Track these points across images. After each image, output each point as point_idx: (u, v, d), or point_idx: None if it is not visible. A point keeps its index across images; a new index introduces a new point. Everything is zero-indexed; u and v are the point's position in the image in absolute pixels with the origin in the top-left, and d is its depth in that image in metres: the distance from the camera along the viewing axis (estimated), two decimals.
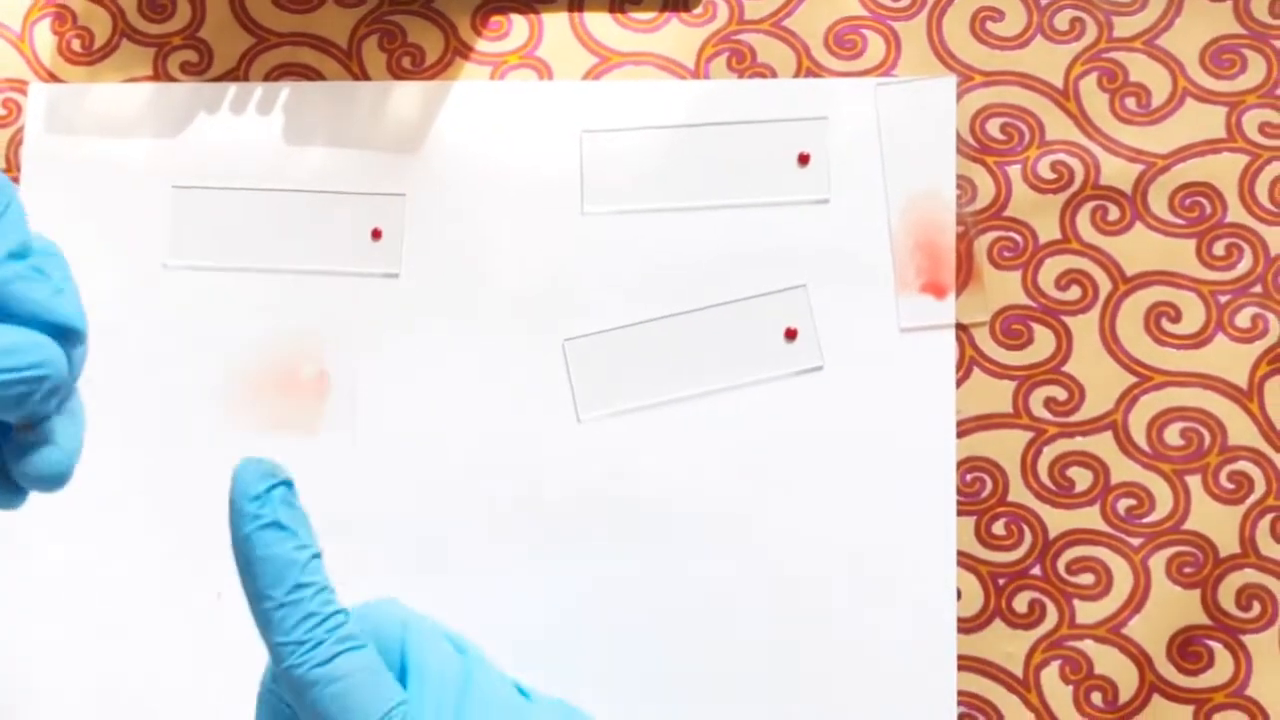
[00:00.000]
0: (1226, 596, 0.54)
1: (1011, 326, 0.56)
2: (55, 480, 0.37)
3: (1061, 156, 0.57)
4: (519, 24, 0.59)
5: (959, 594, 0.54)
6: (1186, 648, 0.54)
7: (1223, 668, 0.53)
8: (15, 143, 0.60)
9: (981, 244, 0.56)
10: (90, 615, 0.57)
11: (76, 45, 0.61)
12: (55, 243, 0.39)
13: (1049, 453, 0.55)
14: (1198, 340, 0.55)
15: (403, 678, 0.40)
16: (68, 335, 0.36)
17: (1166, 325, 0.55)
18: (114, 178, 0.59)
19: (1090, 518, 0.55)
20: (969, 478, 0.55)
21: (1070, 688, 0.54)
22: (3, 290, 0.35)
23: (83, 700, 0.56)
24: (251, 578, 0.39)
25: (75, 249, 0.58)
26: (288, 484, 0.40)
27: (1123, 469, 0.55)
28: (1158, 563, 0.54)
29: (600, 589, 0.55)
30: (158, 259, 0.59)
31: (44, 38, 0.61)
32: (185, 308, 0.58)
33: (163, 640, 0.56)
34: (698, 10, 0.59)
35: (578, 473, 0.56)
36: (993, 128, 0.57)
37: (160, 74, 0.60)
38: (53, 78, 0.60)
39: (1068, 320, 0.56)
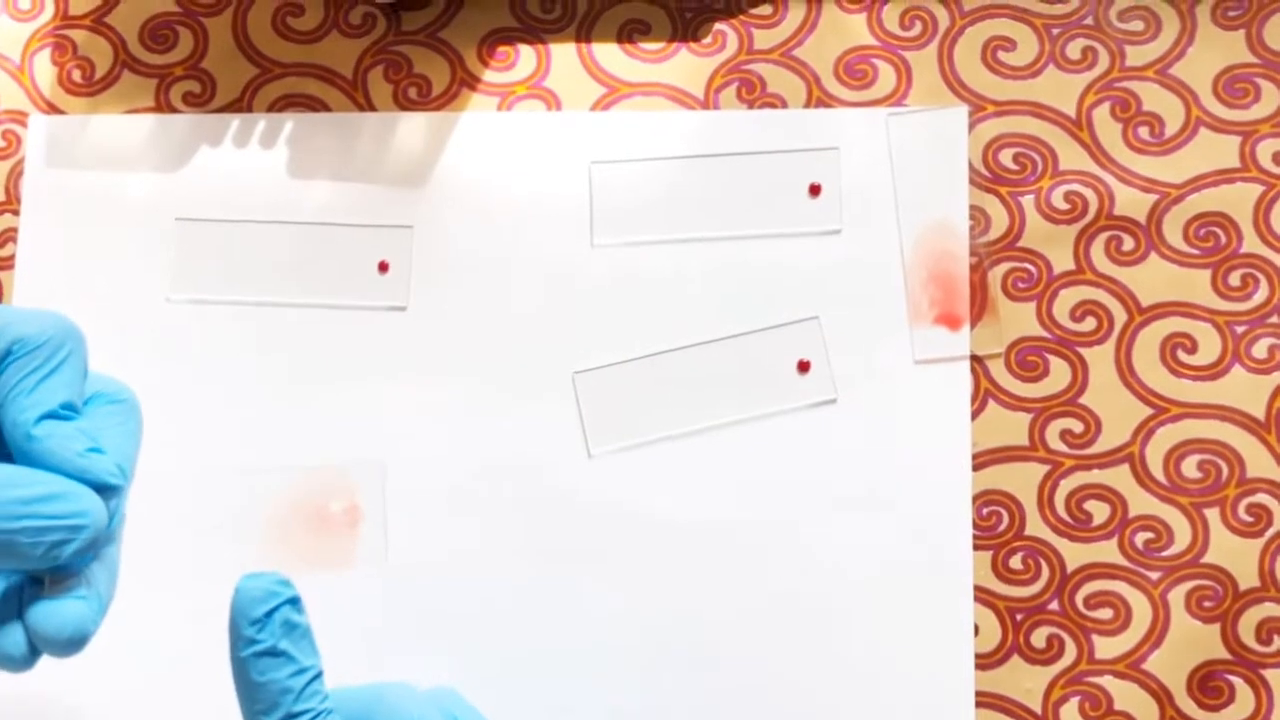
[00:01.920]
0: (1247, 630, 0.53)
1: (1027, 358, 0.55)
2: (72, 643, 0.37)
3: (1075, 186, 0.56)
4: (526, 54, 0.59)
5: (976, 629, 0.54)
6: (1207, 683, 0.53)
7: (1244, 703, 0.53)
8: (15, 174, 0.59)
9: (995, 275, 0.56)
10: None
11: (77, 76, 0.60)
12: (128, 390, 0.40)
13: (1066, 485, 0.54)
14: (1214, 371, 0.55)
15: None
16: (100, 490, 0.37)
17: (1183, 356, 0.55)
18: (115, 210, 0.59)
19: (1108, 551, 0.54)
20: (985, 511, 0.54)
21: None
22: (35, 447, 0.36)
23: None
24: (246, 701, 0.39)
25: (75, 282, 0.58)
26: (292, 601, 0.40)
27: (1140, 502, 0.54)
28: (1177, 597, 0.54)
29: (613, 624, 0.55)
30: (160, 292, 0.58)
31: (44, 68, 0.60)
32: (187, 342, 0.57)
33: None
34: (707, 40, 0.58)
35: (589, 508, 0.55)
36: (1005, 158, 0.57)
37: (162, 105, 0.59)
38: (53, 109, 0.60)
39: (1083, 351, 0.55)
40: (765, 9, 0.58)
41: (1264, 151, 0.56)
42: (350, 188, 0.58)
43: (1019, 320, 0.56)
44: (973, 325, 0.56)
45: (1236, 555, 0.54)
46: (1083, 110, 0.57)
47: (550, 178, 0.58)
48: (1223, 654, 0.53)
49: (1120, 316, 0.55)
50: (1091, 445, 0.55)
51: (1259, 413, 0.54)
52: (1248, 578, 0.53)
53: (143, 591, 0.55)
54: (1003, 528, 0.54)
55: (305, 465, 0.56)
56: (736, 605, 0.54)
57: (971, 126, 0.57)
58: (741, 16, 0.58)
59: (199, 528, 0.56)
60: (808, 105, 0.58)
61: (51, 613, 0.37)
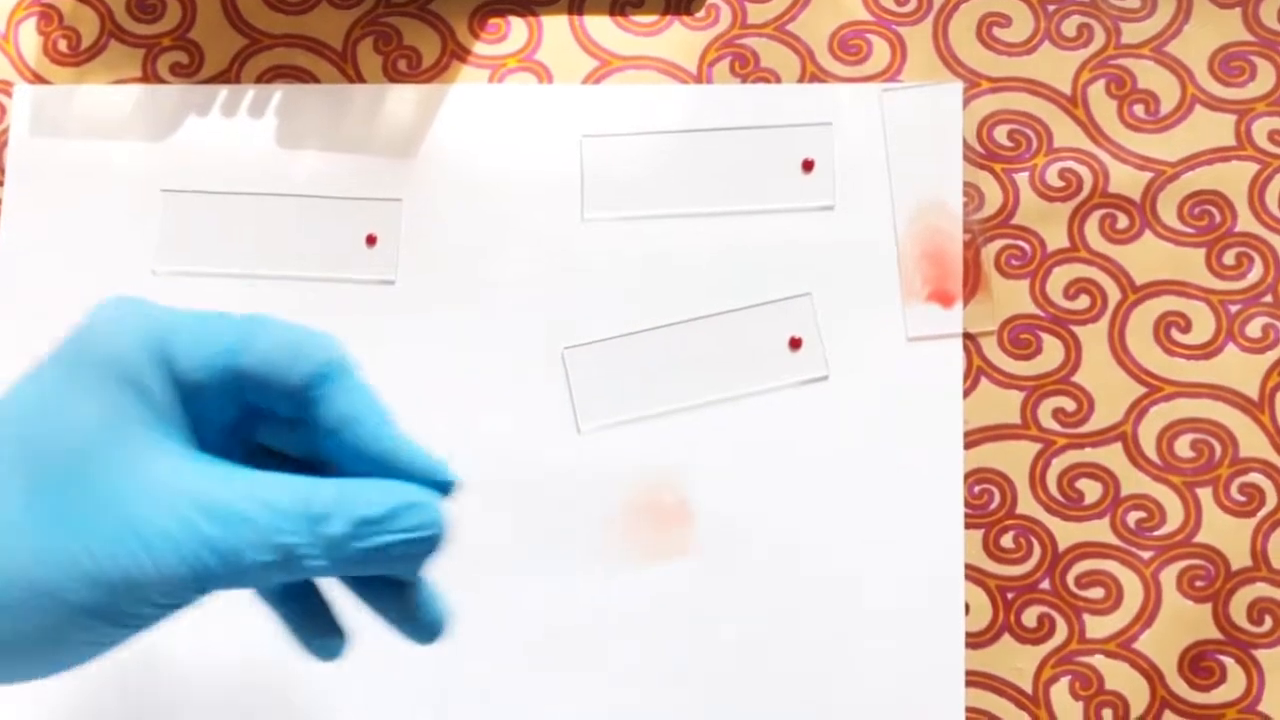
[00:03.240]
0: (1238, 610, 0.53)
1: (1020, 336, 0.55)
2: (442, 629, 0.38)
3: (1070, 164, 0.56)
4: (518, 26, 0.58)
5: (967, 608, 0.53)
6: (1198, 663, 0.53)
7: (1235, 683, 0.53)
8: (0, 145, 0.58)
9: (989, 252, 0.55)
10: None
11: (63, 45, 0.59)
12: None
13: (1058, 464, 0.54)
14: (1208, 350, 0.55)
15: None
16: (443, 489, 0.37)
17: (1176, 335, 0.55)
18: (101, 181, 0.58)
19: (1100, 530, 0.54)
20: (977, 490, 0.54)
21: (1080, 704, 0.53)
22: (401, 455, 0.36)
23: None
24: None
25: (60, 254, 0.57)
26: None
27: (1133, 481, 0.54)
28: (1168, 576, 0.53)
29: (601, 599, 0.54)
30: (146, 264, 0.57)
31: (29, 38, 0.59)
32: None
33: None
34: (700, 14, 0.58)
35: (578, 484, 0.55)
36: (1000, 134, 0.56)
37: (149, 75, 0.59)
38: (38, 79, 0.59)
39: (1076, 330, 0.55)
40: None
41: (1259, 130, 0.56)
42: (339, 160, 0.57)
43: (1012, 298, 0.55)
44: (965, 303, 0.55)
45: (1229, 535, 0.53)
46: (1078, 87, 0.56)
47: (541, 151, 0.57)
48: (1214, 634, 0.53)
49: (1114, 295, 0.55)
50: (1084, 424, 0.54)
51: (1252, 392, 0.54)
52: (1240, 557, 0.53)
53: None
54: (994, 506, 0.54)
55: None
56: (725, 581, 0.54)
57: (966, 103, 0.57)
58: None
59: None
60: (801, 80, 0.57)
61: (413, 604, 0.37)
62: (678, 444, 0.55)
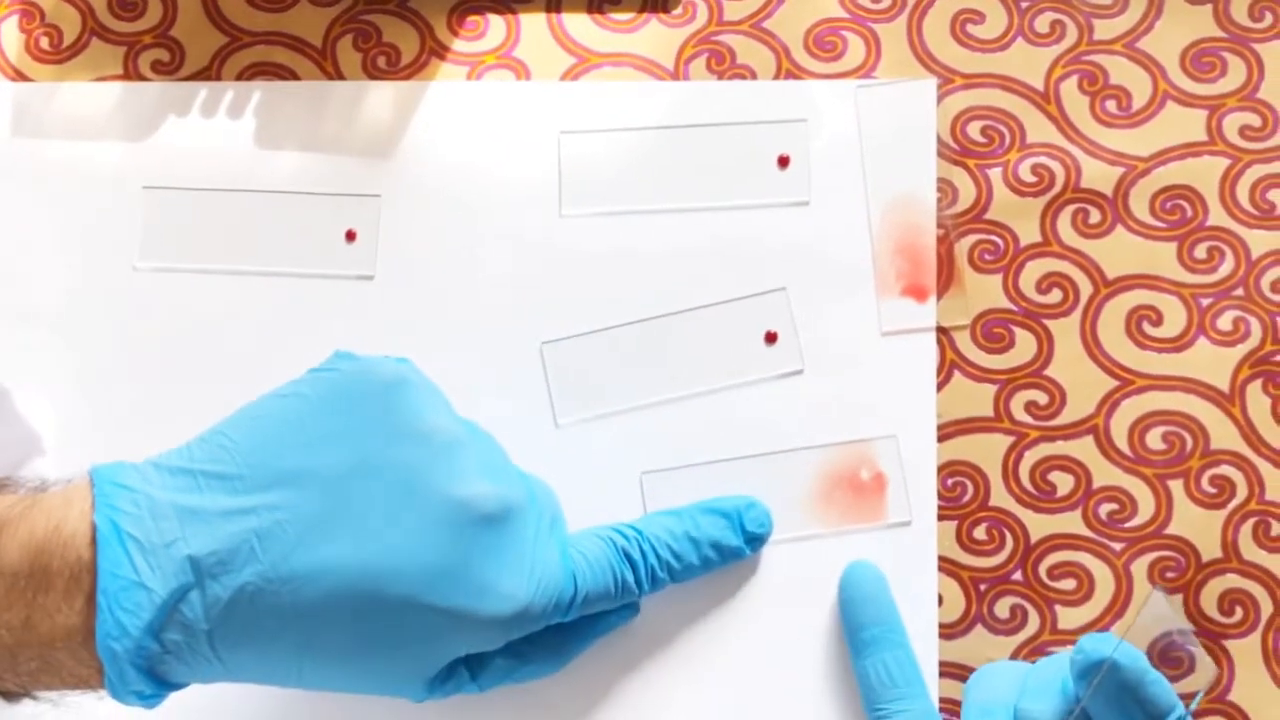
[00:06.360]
0: (1209, 601, 0.53)
1: (992, 330, 0.55)
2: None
3: (1042, 159, 0.56)
4: (496, 24, 0.59)
5: (940, 600, 0.54)
6: (1168, 653, 0.53)
7: (1205, 674, 0.53)
8: None
9: (962, 247, 0.56)
10: None
11: (45, 43, 0.60)
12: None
13: (1030, 457, 0.55)
14: (1179, 344, 0.55)
15: None
16: None
17: (1148, 328, 0.55)
18: (83, 178, 0.58)
19: (1072, 522, 0.54)
20: (950, 482, 0.55)
21: None
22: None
23: None
24: None
25: (42, 250, 0.58)
26: None
27: (1104, 473, 0.54)
28: (1140, 568, 0.54)
29: None
30: (127, 261, 0.58)
31: (11, 35, 0.60)
32: (154, 310, 0.57)
33: None
34: (677, 11, 0.58)
35: (555, 478, 0.55)
36: (973, 130, 0.57)
37: (131, 73, 0.59)
38: (20, 76, 0.59)
39: (1049, 323, 0.55)
40: None
41: (1230, 125, 0.56)
42: (318, 157, 0.58)
43: (985, 292, 0.56)
44: (939, 297, 0.56)
45: (1199, 527, 0.54)
46: (1051, 83, 0.57)
47: (519, 148, 0.58)
48: (1185, 625, 0.53)
49: (1086, 289, 0.56)
50: (1056, 417, 0.55)
51: (1223, 385, 0.55)
52: (1210, 549, 0.54)
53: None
54: (967, 499, 0.54)
55: None
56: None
57: (940, 99, 0.57)
58: None
59: (132, 394, 0.57)
60: (777, 77, 0.58)
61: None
62: (654, 437, 0.55)
